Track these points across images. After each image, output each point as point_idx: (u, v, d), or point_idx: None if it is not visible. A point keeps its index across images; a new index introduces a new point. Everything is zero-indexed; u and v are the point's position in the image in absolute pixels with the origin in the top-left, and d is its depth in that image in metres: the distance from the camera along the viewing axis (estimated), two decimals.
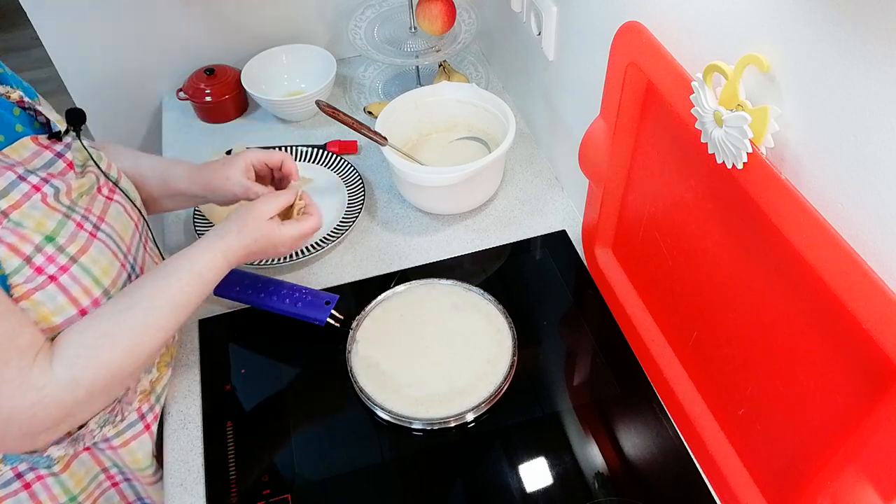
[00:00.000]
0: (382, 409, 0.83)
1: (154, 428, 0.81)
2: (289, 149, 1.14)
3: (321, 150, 1.14)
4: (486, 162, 0.95)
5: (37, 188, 0.65)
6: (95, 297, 0.67)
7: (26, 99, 0.69)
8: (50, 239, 0.64)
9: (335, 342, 0.91)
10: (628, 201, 0.84)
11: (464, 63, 1.34)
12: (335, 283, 0.98)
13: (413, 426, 0.82)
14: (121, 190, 0.77)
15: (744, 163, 0.55)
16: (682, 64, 0.63)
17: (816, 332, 0.56)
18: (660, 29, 0.66)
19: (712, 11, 0.59)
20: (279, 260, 0.99)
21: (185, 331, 0.94)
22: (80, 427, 0.73)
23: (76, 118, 0.73)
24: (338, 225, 1.03)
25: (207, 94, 1.21)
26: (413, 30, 1.22)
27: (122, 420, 0.77)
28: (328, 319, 0.89)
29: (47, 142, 0.68)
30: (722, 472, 0.73)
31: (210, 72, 1.22)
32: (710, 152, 0.59)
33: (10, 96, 0.69)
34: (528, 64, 1.12)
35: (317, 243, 1.01)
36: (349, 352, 0.88)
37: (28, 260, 0.63)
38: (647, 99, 0.73)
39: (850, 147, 0.49)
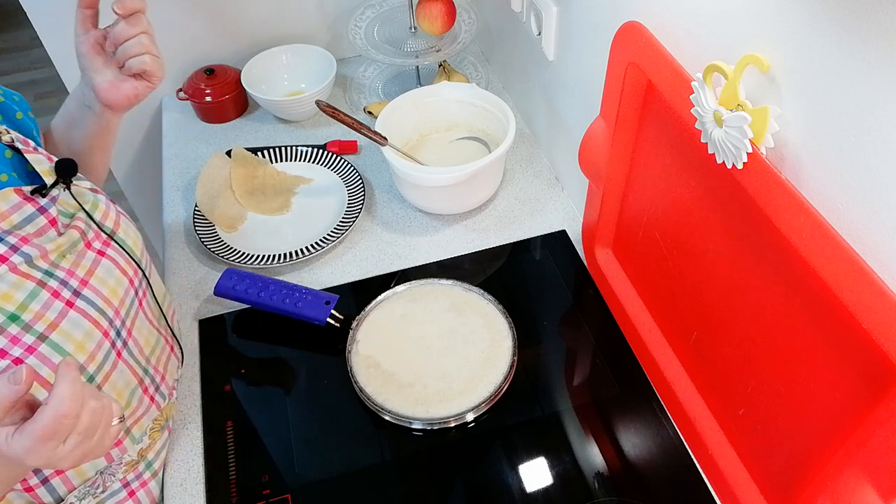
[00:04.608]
0: (382, 409, 0.83)
1: (140, 494, 0.76)
2: (289, 149, 1.15)
3: (321, 150, 1.14)
4: (486, 162, 0.95)
5: (2, 259, 0.59)
6: None
7: (17, 143, 0.65)
8: (14, 317, 0.59)
9: (335, 342, 0.91)
10: (628, 201, 0.84)
11: (464, 63, 1.34)
12: (335, 283, 0.98)
13: (413, 426, 0.82)
14: (116, 242, 0.71)
15: (744, 163, 0.55)
16: (682, 64, 0.63)
17: (816, 332, 0.56)
18: (660, 29, 0.66)
19: (712, 11, 0.59)
20: (279, 260, 0.99)
21: (186, 331, 0.94)
22: (59, 501, 0.69)
23: (66, 170, 0.67)
24: (338, 225, 1.03)
25: (207, 94, 1.21)
26: (413, 30, 1.22)
27: (103, 492, 0.72)
28: (328, 319, 0.90)
29: (31, 194, 0.63)
30: (722, 472, 0.73)
31: (210, 72, 1.22)
32: (710, 152, 0.59)
33: (1, 137, 0.64)
34: (528, 64, 1.12)
35: (317, 243, 1.01)
36: (349, 352, 0.88)
37: None
38: (647, 99, 0.73)
39: (850, 147, 0.49)
